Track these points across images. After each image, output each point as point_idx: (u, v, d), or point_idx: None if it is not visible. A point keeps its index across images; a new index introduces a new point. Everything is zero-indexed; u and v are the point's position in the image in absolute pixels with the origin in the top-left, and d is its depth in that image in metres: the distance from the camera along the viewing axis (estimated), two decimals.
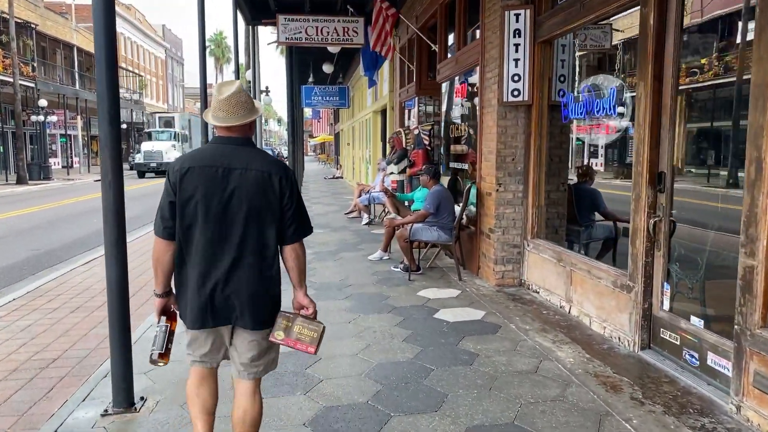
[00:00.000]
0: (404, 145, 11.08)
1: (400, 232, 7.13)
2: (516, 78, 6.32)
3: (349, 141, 27.82)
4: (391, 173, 11.20)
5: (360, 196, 12.79)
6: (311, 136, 60.25)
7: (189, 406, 2.74)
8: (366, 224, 11.80)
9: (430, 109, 10.87)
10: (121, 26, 51.53)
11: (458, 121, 8.42)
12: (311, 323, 2.64)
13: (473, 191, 7.12)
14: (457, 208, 7.35)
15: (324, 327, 2.66)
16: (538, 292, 6.22)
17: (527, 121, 6.48)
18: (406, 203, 9.32)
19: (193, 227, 2.51)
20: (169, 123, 40.47)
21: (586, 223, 6.83)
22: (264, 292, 2.57)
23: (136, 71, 53.51)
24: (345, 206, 15.52)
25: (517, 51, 6.29)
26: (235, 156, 2.52)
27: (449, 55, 8.94)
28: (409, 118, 12.58)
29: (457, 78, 8.36)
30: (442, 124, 9.19)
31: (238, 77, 12.95)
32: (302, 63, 23.07)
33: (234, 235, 2.50)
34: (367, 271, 7.59)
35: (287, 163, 15.72)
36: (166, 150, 33.86)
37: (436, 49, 9.16)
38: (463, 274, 7.11)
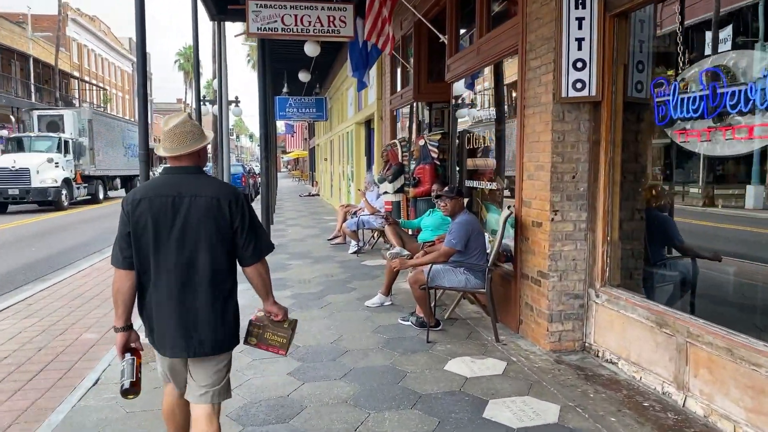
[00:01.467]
0: (400, 160, 9.26)
1: (414, 277, 5.25)
2: (579, 65, 4.55)
3: (326, 156, 25.93)
4: (385, 193, 9.36)
5: (345, 219, 10.91)
6: (284, 152, 58.21)
7: (166, 424, 2.88)
8: (354, 253, 9.92)
9: (433, 116, 9.10)
10: (84, 38, 49.15)
11: (479, 129, 6.63)
12: (280, 329, 2.82)
13: (510, 220, 5.30)
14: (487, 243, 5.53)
15: (293, 329, 2.84)
16: (616, 364, 4.41)
17: (594, 125, 4.71)
18: (411, 232, 7.47)
19: (149, 257, 2.56)
20: (54, 125, 24.52)
21: (659, 261, 5.07)
22: (219, 316, 2.59)
23: (100, 85, 50.96)
24: (326, 229, 13.61)
25: (580, 27, 4.52)
26: (185, 184, 2.59)
27: (464, 46, 7.18)
28: (403, 129, 10.78)
29: (479, 73, 6.59)
30: (452, 133, 7.40)
31: (199, 77, 11.05)
32: (276, 73, 21.21)
33: (188, 262, 2.54)
34: (368, 325, 5.70)
35: (258, 179, 13.90)
36: (38, 167, 20.18)
37: (445, 41, 7.38)
38: (499, 329, 5.26)
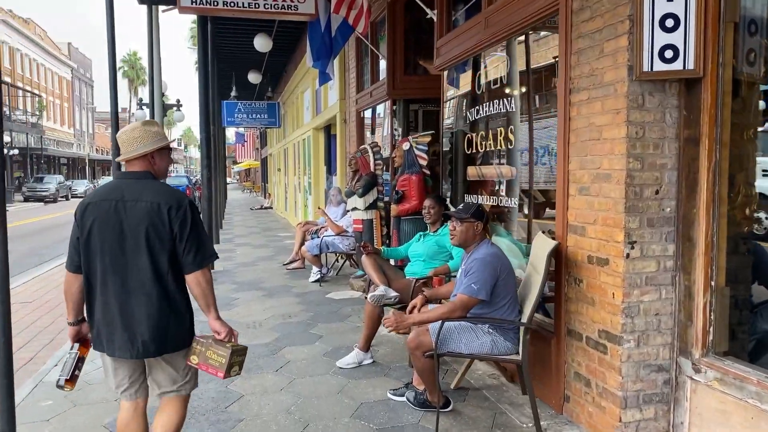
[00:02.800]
0: (373, 169, 7.62)
1: (416, 339, 3.56)
2: (670, 22, 3.02)
3: (279, 166, 24.05)
4: (354, 209, 7.69)
5: (304, 240, 9.18)
6: (235, 162, 55.79)
7: None
8: (316, 281, 8.20)
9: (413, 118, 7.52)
10: (17, 41, 45.84)
11: (484, 127, 5.04)
12: (221, 348, 2.62)
13: (547, 251, 3.68)
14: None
15: (233, 351, 2.62)
16: None
17: (687, 116, 3.17)
18: (394, 263, 5.80)
19: (95, 260, 2.59)
20: None
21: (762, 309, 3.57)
22: (162, 319, 2.57)
23: (35, 91, 47.58)
24: (280, 249, 11.82)
25: None
26: (129, 189, 2.61)
27: (459, 23, 5.60)
28: (373, 132, 9.14)
29: (480, 57, 5.02)
30: (453, 134, 5.80)
31: (115, 69, 9.15)
32: (223, 75, 19.32)
33: (129, 266, 2.55)
34: (345, 403, 4.00)
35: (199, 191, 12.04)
36: None
37: (434, 17, 5.79)
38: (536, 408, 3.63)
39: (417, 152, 5.85)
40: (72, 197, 38.91)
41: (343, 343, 5.28)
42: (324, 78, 7.99)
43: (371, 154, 7.73)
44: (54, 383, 2.75)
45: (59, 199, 36.88)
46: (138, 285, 2.54)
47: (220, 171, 20.02)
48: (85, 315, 2.71)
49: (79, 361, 2.73)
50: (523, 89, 4.47)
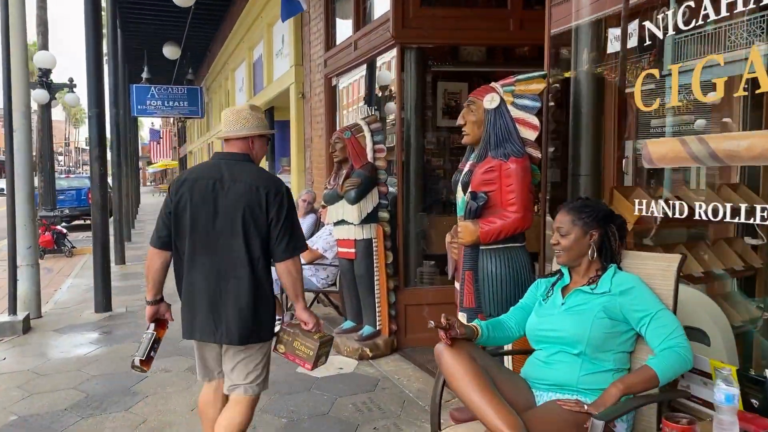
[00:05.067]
0: (372, 158, 4.69)
1: None
2: None
3: None
4: (340, 223, 4.74)
5: None
6: (150, 163, 50.93)
7: (201, 420, 2.78)
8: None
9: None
10: None
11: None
12: (308, 339, 2.59)
13: None
14: None
15: (321, 343, 2.58)
16: None
17: None
18: (479, 330, 2.84)
19: (186, 239, 2.54)
20: None
21: None
22: (250, 305, 2.50)
23: None
24: None
25: None
26: (228, 170, 2.55)
27: None
28: (357, 107, 6.18)
29: None
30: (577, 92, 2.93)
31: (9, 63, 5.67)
32: (132, 54, 15.73)
33: (221, 247, 2.50)
34: None
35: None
36: None
37: None
38: None
39: (519, 112, 2.89)
40: None
41: None
42: (292, 7, 4.95)
43: (368, 134, 4.77)
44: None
45: None
46: (229, 267, 2.48)
47: (132, 170, 16.33)
48: (162, 295, 2.69)
49: (155, 343, 2.66)
50: None
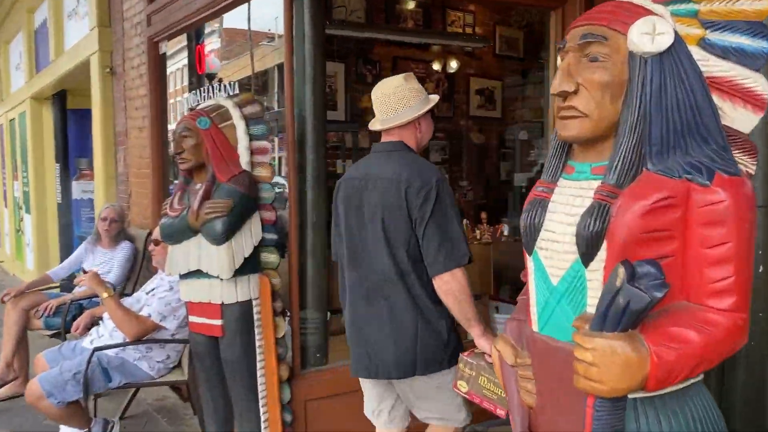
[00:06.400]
0: (249, 162, 2.77)
1: None
2: None
3: None
4: (192, 276, 2.75)
5: (25, 334, 3.79)
6: None
7: None
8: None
9: None
10: None
11: None
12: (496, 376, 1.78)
13: None
14: None
15: None
16: None
17: None
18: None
19: (341, 251, 2.16)
20: None
21: None
22: (405, 332, 1.97)
23: None
24: None
25: None
26: (377, 164, 2.09)
27: None
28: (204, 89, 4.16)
29: None
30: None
31: None
32: None
33: (366, 261, 2.03)
34: None
35: None
36: None
37: None
38: None
39: (723, 66, 1.21)
40: None
41: None
42: None
43: (240, 123, 2.82)
44: None
45: None
46: (375, 286, 2.01)
47: None
48: None
49: None
50: None
